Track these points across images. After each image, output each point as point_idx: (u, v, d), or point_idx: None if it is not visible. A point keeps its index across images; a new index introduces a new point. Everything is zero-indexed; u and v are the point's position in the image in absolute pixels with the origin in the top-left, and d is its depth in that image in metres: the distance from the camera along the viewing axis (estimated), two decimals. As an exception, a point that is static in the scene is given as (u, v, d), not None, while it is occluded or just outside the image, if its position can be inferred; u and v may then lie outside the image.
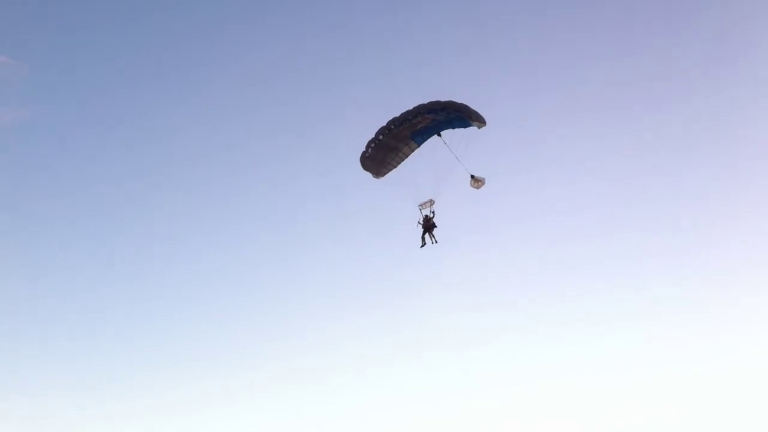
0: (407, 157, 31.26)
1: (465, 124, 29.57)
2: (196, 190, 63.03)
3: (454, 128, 29.99)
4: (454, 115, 29.59)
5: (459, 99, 29.70)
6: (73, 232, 59.32)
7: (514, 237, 56.12)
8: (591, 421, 43.24)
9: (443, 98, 29.75)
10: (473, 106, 29.90)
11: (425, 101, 29.73)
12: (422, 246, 31.05)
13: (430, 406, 46.81)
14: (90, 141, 60.88)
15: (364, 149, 30.78)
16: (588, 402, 44.36)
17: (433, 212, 31.07)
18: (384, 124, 30.25)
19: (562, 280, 52.75)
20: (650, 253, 52.93)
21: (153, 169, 62.53)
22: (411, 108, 29.74)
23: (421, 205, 31.03)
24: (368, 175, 31.66)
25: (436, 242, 30.95)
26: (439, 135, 29.96)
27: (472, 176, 30.10)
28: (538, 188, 57.81)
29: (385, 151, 30.72)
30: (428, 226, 30.91)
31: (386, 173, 31.53)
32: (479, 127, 29.82)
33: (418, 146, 30.94)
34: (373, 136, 30.52)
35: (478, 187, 30.31)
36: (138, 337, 53.69)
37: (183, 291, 57.27)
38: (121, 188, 61.23)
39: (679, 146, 58.35)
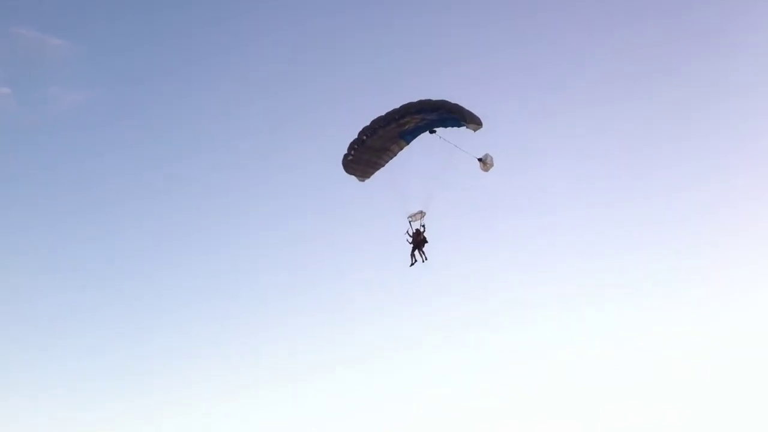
0: (395, 155, 28.19)
1: (458, 124, 26.30)
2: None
3: (446, 127, 26.77)
4: (446, 116, 26.34)
5: (451, 98, 26.40)
6: (130, 215, 59.05)
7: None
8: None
9: (435, 97, 26.46)
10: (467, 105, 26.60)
11: (415, 100, 26.46)
12: (411, 264, 27.93)
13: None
14: (145, 123, 60.80)
15: (346, 152, 27.69)
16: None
17: (423, 225, 27.87)
18: (368, 124, 27.09)
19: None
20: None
21: (209, 149, 61.01)
22: (398, 107, 26.50)
23: (410, 217, 27.86)
24: (352, 179, 28.57)
25: (426, 260, 27.79)
26: (433, 132, 26.89)
27: (480, 159, 26.80)
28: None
29: (370, 152, 27.64)
30: (418, 241, 27.72)
31: (372, 173, 28.47)
32: (474, 130, 26.50)
33: (408, 144, 27.91)
34: (355, 137, 27.37)
35: (488, 169, 27.02)
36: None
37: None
38: (179, 169, 60.36)
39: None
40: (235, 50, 63.84)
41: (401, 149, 28.17)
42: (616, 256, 53.40)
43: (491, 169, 27.39)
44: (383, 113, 26.81)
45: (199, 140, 61.71)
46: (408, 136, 27.73)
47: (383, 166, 28.38)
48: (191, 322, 54.15)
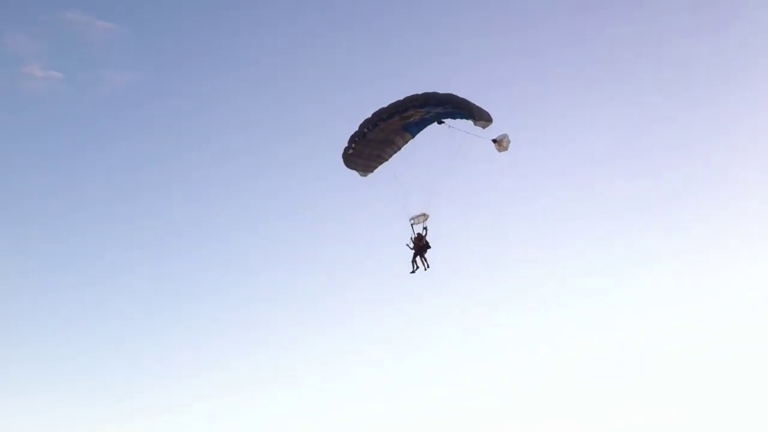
0: (400, 149, 26.30)
1: (465, 120, 24.29)
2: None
3: (454, 119, 24.74)
4: (453, 111, 24.33)
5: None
6: (177, 193, 59.76)
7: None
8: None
9: (441, 90, 24.44)
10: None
11: (420, 92, 24.48)
12: (412, 272, 26.14)
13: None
14: (191, 102, 61.03)
15: (347, 145, 25.88)
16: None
17: (425, 228, 25.96)
18: (369, 116, 25.20)
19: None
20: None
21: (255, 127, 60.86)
22: (402, 99, 24.55)
23: (413, 219, 25.98)
24: (354, 173, 26.79)
25: (428, 267, 25.98)
26: (441, 122, 24.94)
27: (494, 140, 24.73)
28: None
29: (372, 145, 25.81)
30: (420, 246, 25.86)
31: (376, 167, 26.64)
32: (484, 127, 24.40)
33: (413, 137, 26.01)
34: (356, 129, 25.52)
35: (504, 149, 24.89)
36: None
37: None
38: (224, 148, 60.58)
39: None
40: (284, 29, 63.22)
41: (406, 142, 26.28)
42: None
43: (508, 147, 25.27)
44: (385, 105, 24.91)
45: (245, 118, 61.66)
46: (413, 128, 25.82)
47: (387, 159, 26.53)
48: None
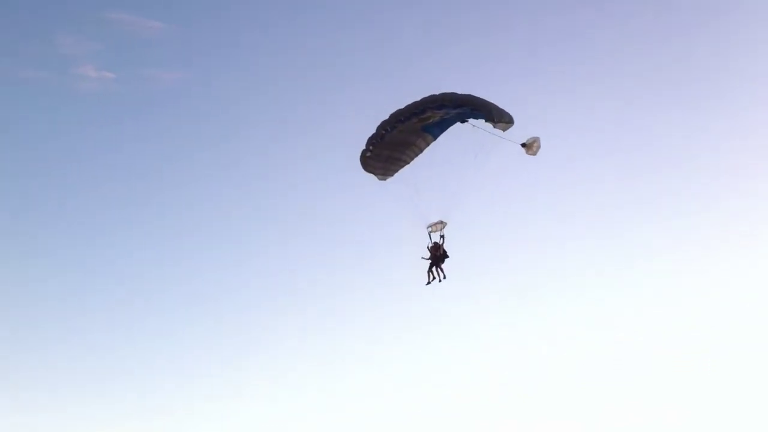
0: (422, 151, 25.38)
1: (485, 121, 23.20)
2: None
3: (476, 119, 23.66)
4: (471, 113, 23.28)
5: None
6: (227, 190, 59.24)
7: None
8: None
9: (461, 91, 23.43)
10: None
11: (437, 93, 23.53)
12: (428, 283, 25.12)
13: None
14: (241, 102, 59.95)
15: (365, 148, 25.05)
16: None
17: (442, 237, 24.88)
18: (386, 118, 24.36)
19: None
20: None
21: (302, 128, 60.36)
22: (418, 100, 23.63)
23: (430, 226, 24.95)
24: (371, 177, 25.92)
25: (445, 278, 24.91)
26: (464, 121, 23.84)
27: (523, 144, 23.71)
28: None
29: (392, 147, 24.92)
30: (436, 257, 24.81)
31: (396, 171, 25.74)
32: (504, 129, 23.30)
33: (435, 138, 25.07)
34: (374, 131, 24.69)
35: (535, 152, 23.88)
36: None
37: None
38: (277, 144, 60.40)
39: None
40: (333, 32, 61.58)
41: (428, 144, 25.32)
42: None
43: (538, 150, 24.14)
44: (403, 106, 24.02)
45: (293, 116, 60.77)
46: (434, 129, 24.85)
47: (408, 162, 25.62)
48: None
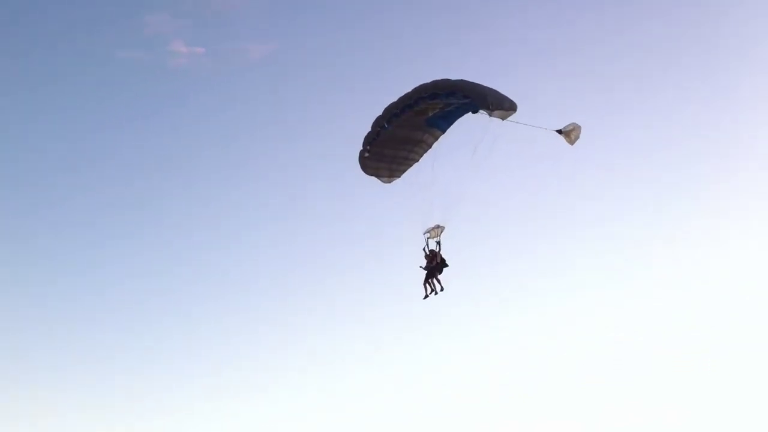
0: (430, 147, 22.98)
1: (480, 110, 20.39)
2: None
3: (475, 112, 20.91)
4: (465, 102, 20.56)
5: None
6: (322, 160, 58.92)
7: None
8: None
9: (453, 77, 20.81)
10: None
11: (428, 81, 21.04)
12: (426, 297, 22.50)
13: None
14: (331, 71, 59.79)
15: (362, 148, 22.91)
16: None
17: (438, 244, 22.14)
18: (381, 113, 22.16)
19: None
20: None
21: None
22: (410, 91, 21.25)
23: (428, 232, 22.31)
24: (373, 180, 23.71)
25: (442, 290, 22.20)
26: (476, 111, 20.79)
27: (560, 131, 20.95)
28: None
29: (393, 145, 22.70)
30: (432, 267, 22.12)
31: (404, 171, 23.44)
32: (503, 118, 20.35)
33: (443, 132, 22.61)
34: (369, 130, 22.53)
35: (573, 141, 21.08)
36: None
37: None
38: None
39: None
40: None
41: (436, 139, 22.87)
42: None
43: (577, 139, 21.19)
44: (395, 99, 21.71)
45: (380, 84, 58.01)
46: (440, 122, 22.42)
47: (416, 160, 23.28)
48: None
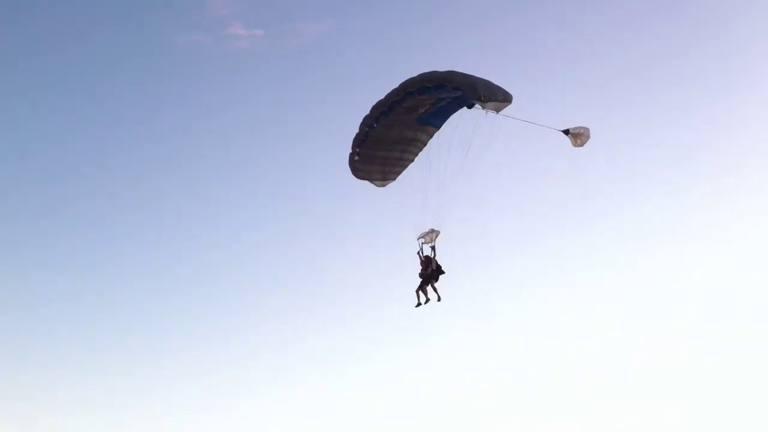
0: (425, 145, 21.51)
1: (471, 104, 18.88)
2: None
3: (470, 108, 19.41)
4: (456, 94, 19.05)
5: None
6: None
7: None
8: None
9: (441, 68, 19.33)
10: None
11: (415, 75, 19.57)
12: (418, 305, 20.90)
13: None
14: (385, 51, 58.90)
15: (351, 151, 21.49)
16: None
17: (433, 248, 20.54)
18: (368, 112, 20.75)
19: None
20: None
21: None
22: (397, 86, 19.81)
23: (422, 237, 20.74)
24: (366, 184, 22.26)
25: (439, 300, 20.65)
26: (471, 106, 19.40)
27: (567, 131, 19.50)
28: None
29: (387, 146, 21.32)
30: (427, 275, 20.52)
31: (399, 173, 22.02)
32: (498, 110, 18.80)
33: (438, 129, 21.15)
34: (357, 131, 21.11)
35: (582, 143, 19.62)
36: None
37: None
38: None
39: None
40: None
41: (431, 136, 21.39)
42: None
43: (586, 141, 19.67)
44: (382, 96, 20.28)
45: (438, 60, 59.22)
46: (434, 119, 20.96)
47: (411, 160, 21.84)
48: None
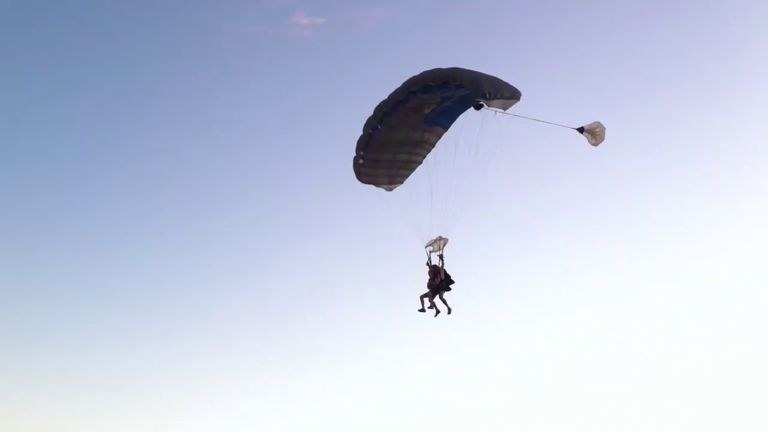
0: (433, 146, 20.69)
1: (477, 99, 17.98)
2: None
3: (477, 108, 18.47)
4: (461, 93, 18.20)
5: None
6: None
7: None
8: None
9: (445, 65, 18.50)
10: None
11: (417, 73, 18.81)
12: (421, 310, 20.08)
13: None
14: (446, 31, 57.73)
15: (355, 154, 20.73)
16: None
17: (441, 257, 19.66)
18: (371, 113, 20.00)
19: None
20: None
21: None
22: (399, 86, 19.03)
23: (430, 245, 19.87)
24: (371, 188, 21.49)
25: (449, 312, 19.85)
26: (479, 107, 18.21)
27: (582, 129, 18.54)
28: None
29: (390, 149, 20.57)
30: (435, 286, 19.68)
31: (407, 175, 21.21)
32: (505, 108, 17.90)
33: (446, 129, 20.30)
34: (361, 133, 20.35)
35: (598, 142, 18.70)
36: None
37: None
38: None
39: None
40: None
41: (439, 137, 20.55)
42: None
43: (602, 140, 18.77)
44: (386, 96, 19.52)
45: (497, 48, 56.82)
46: (441, 119, 20.15)
47: (420, 162, 21.04)
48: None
